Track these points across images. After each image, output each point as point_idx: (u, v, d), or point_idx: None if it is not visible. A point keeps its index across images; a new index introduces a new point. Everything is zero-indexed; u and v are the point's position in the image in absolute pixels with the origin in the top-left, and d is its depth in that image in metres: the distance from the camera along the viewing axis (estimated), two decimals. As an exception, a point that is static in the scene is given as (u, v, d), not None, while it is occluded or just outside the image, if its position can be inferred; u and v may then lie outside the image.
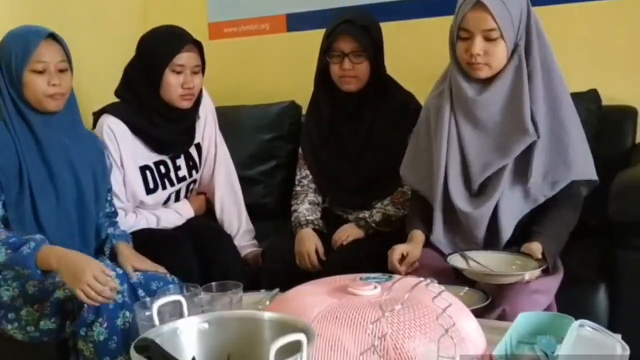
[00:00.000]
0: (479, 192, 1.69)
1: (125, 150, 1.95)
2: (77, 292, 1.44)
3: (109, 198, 1.88)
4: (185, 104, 1.98)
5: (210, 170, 2.19)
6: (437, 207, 1.73)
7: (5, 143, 1.63)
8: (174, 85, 1.94)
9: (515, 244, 1.63)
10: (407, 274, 1.60)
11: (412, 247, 1.69)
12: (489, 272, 1.52)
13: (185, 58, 1.94)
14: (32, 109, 1.67)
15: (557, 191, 1.64)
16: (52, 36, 1.68)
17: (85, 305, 1.49)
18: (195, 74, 1.97)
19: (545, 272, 1.56)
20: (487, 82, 1.66)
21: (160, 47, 1.95)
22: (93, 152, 1.81)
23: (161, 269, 1.75)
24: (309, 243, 1.95)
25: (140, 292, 1.65)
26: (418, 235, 1.75)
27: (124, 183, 1.97)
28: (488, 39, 1.61)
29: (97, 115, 2.00)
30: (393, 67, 2.08)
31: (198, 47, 1.99)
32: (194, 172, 2.12)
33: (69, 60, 1.72)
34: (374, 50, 1.96)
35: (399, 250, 1.67)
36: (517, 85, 1.64)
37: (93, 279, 1.44)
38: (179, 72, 1.94)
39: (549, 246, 1.57)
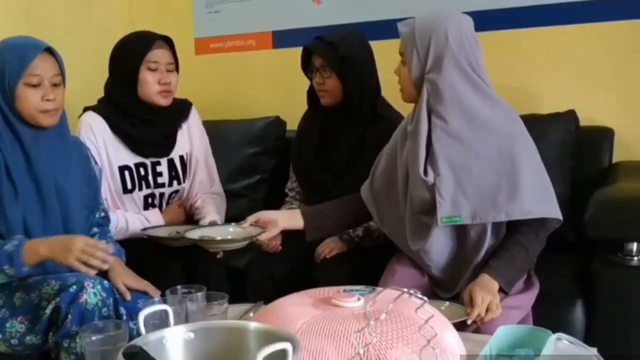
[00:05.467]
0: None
1: (104, 147, 1.98)
2: (72, 263, 1.48)
3: (100, 202, 1.87)
4: (164, 102, 2.02)
5: (195, 181, 2.20)
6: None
7: None
8: (151, 82, 1.99)
9: None
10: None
11: (278, 218, 1.78)
12: None
13: (159, 54, 1.99)
14: (23, 122, 1.64)
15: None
16: (49, 50, 1.66)
17: (69, 317, 1.49)
18: (170, 72, 2.02)
19: (504, 293, 1.57)
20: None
21: (132, 47, 2.00)
22: (79, 160, 1.80)
23: (151, 289, 1.72)
24: None
25: (122, 310, 1.64)
26: (297, 214, 1.82)
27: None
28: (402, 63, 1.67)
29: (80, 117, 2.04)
30: (392, 86, 2.09)
31: (169, 43, 2.04)
32: (175, 182, 2.13)
33: (62, 74, 1.69)
34: (339, 65, 1.99)
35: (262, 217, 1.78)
36: (418, 121, 1.62)
37: (83, 247, 1.49)
38: (154, 70, 1.99)
39: (499, 274, 1.55)
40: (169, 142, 2.11)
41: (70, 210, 1.72)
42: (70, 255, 1.48)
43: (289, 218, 1.82)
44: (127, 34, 2.09)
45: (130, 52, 2.00)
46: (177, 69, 2.06)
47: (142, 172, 2.06)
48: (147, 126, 2.04)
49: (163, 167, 2.10)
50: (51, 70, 1.65)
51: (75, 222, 1.73)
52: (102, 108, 2.03)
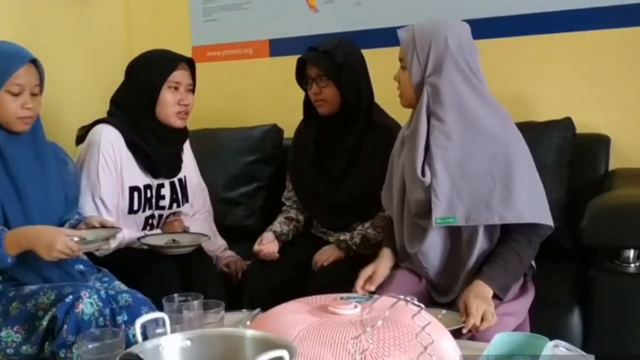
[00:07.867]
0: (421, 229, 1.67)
1: (119, 164, 1.97)
2: (50, 260, 1.61)
3: (78, 206, 1.89)
4: (179, 123, 2.03)
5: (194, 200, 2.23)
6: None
7: None
8: (171, 103, 1.99)
9: None
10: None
11: (377, 266, 1.75)
12: None
13: (181, 75, 2.01)
14: None
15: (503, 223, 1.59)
16: (33, 61, 1.69)
17: (65, 326, 1.49)
18: (189, 92, 2.03)
19: (499, 300, 1.57)
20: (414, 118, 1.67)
21: (157, 65, 2.00)
22: (56, 164, 1.82)
23: None
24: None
25: (120, 319, 1.63)
26: (387, 254, 1.79)
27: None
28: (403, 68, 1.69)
29: (89, 127, 2.02)
30: (384, 94, 2.08)
31: (190, 66, 2.05)
32: (175, 205, 2.14)
33: (42, 83, 1.73)
34: (336, 73, 2.00)
35: (364, 275, 1.72)
36: (417, 123, 1.63)
37: (62, 249, 1.59)
38: (175, 89, 1.99)
39: (493, 280, 1.56)
40: (178, 164, 2.13)
41: (49, 210, 1.74)
42: (51, 253, 1.59)
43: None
44: (150, 49, 2.09)
45: (154, 70, 1.99)
46: (193, 91, 2.07)
47: (149, 194, 2.06)
48: (160, 145, 2.04)
49: (166, 190, 2.10)
50: (33, 81, 1.69)
51: (52, 223, 1.74)
52: (117, 122, 2.00)
